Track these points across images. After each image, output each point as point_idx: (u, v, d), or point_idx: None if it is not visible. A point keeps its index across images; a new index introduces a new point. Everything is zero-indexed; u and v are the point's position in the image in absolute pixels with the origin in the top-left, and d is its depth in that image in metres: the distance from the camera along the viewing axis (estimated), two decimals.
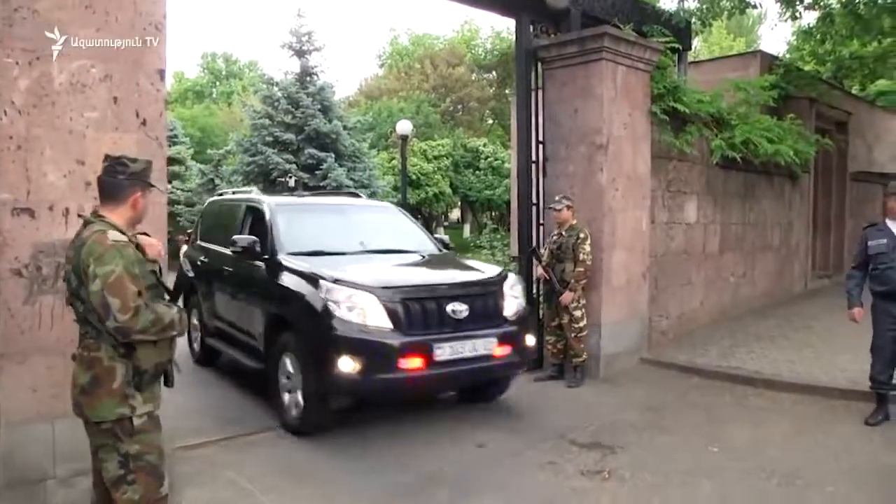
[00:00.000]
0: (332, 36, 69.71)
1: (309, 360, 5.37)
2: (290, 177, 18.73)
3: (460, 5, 8.11)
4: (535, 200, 7.94)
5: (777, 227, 11.65)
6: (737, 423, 5.92)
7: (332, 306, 5.14)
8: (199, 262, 7.73)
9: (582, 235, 7.03)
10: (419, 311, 5.27)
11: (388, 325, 5.15)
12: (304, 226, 6.66)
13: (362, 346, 5.05)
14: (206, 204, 9.30)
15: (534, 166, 7.95)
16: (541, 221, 7.96)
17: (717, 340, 8.77)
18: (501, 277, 6.03)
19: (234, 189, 10.69)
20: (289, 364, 5.60)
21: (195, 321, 8.00)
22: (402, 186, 18.25)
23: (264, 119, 20.18)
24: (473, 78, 39.55)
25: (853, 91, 18.12)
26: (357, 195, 8.66)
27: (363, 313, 5.12)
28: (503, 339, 5.61)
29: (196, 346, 8.06)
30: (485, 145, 31.88)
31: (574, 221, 7.17)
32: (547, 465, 4.93)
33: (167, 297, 3.10)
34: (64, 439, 4.01)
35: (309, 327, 5.38)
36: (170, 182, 20.65)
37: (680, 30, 9.74)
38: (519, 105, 8.19)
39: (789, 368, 7.35)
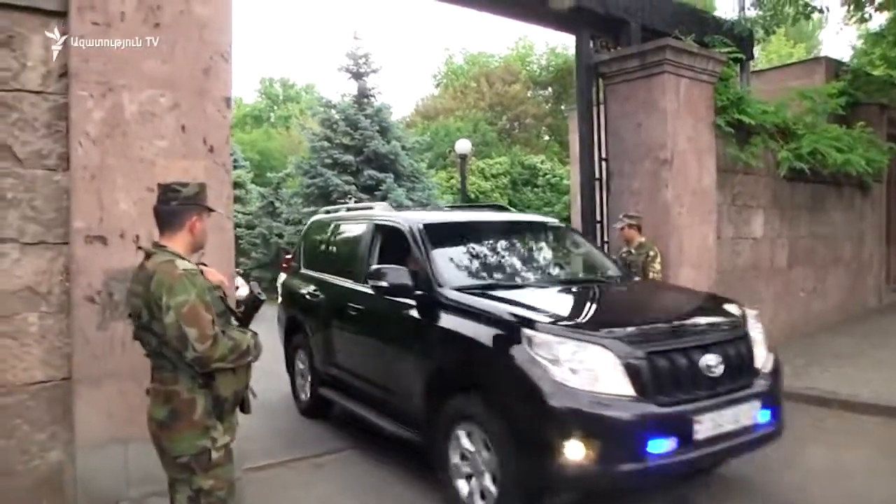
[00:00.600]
0: (389, 57, 70.59)
1: (507, 440, 3.89)
2: (351, 198, 18.90)
3: (518, 22, 8.11)
4: (598, 218, 7.84)
5: (848, 239, 11.25)
6: (817, 445, 5.65)
7: (544, 365, 3.73)
8: (307, 296, 6.53)
9: (652, 253, 6.87)
10: (668, 370, 3.84)
11: (630, 390, 3.71)
12: (463, 251, 5.31)
13: (596, 425, 3.64)
14: (310, 223, 7.58)
15: (597, 183, 7.85)
16: (605, 239, 7.84)
17: (789, 359, 8.43)
18: (744, 314, 4.66)
19: (349, 204, 8.94)
20: (466, 440, 4.20)
21: (301, 365, 6.79)
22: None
23: (323, 141, 20.43)
24: (529, 95, 39.53)
25: None
26: (505, 208, 7.23)
27: (594, 375, 3.71)
28: (765, 402, 4.23)
29: (304, 394, 6.73)
30: (542, 162, 31.70)
31: (643, 239, 7.02)
32: None
33: (236, 322, 3.08)
34: (137, 462, 4.07)
35: (506, 394, 3.96)
36: None
37: (742, 39, 9.55)
38: (580, 121, 8.13)
39: (869, 388, 7.03)
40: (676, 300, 5.26)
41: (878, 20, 13.96)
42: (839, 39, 70.93)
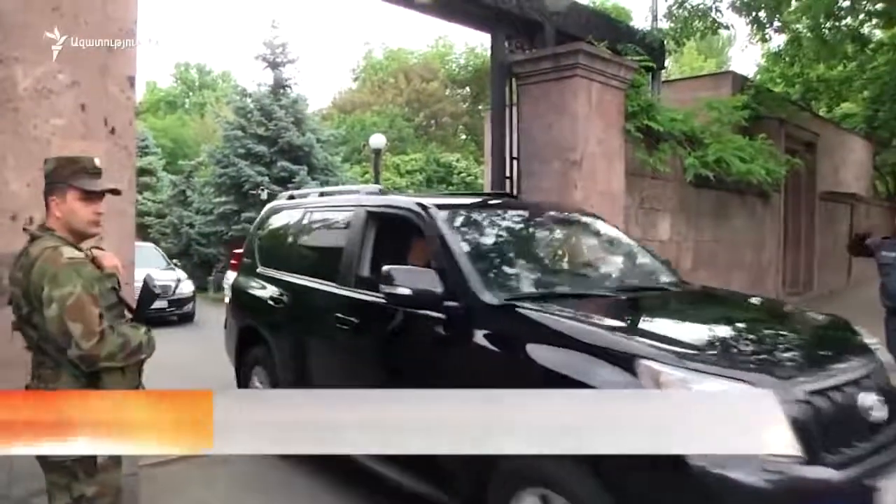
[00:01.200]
0: (306, 48, 69.64)
1: None
2: (263, 189, 18.59)
3: (436, 19, 8.11)
4: None
5: (749, 245, 11.74)
6: None
7: None
8: (270, 302, 5.21)
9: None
10: (832, 415, 2.75)
11: (797, 447, 2.56)
12: (501, 247, 4.23)
13: (758, 498, 2.53)
14: (267, 211, 6.17)
15: (507, 182, 7.92)
16: None
17: None
18: (865, 336, 3.62)
19: (322, 189, 7.71)
20: None
21: (259, 384, 5.36)
22: None
23: (236, 130, 20.03)
24: (447, 93, 39.70)
25: (820, 113, 18.47)
26: (514, 197, 6.37)
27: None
28: None
29: None
30: (458, 160, 31.91)
31: None
32: None
33: (130, 315, 2.86)
34: (22, 458, 3.86)
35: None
36: (140, 193, 20.44)
37: (654, 49, 9.84)
38: (493, 119, 8.19)
39: None
40: (789, 317, 4.04)
41: (778, 41, 14.76)
42: (746, 56, 74.21)
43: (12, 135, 3.94)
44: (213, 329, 8.70)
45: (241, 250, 6.45)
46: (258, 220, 6.29)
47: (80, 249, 2.67)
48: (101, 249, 2.92)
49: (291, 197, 6.21)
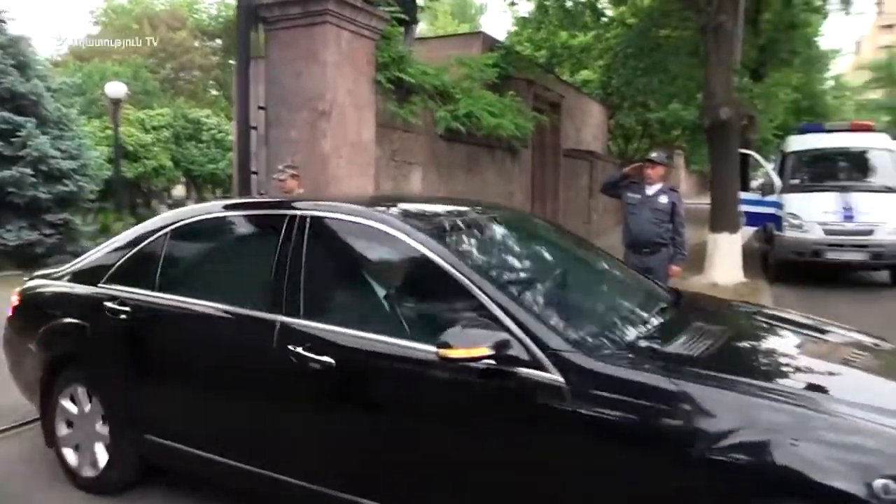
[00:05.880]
0: None
1: None
2: None
3: None
4: (255, 169, 7.44)
5: (499, 197, 12.08)
6: None
7: None
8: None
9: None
10: None
11: None
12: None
13: None
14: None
15: (254, 133, 7.44)
16: (261, 191, 7.48)
17: None
18: None
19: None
20: None
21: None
22: (116, 158, 16.67)
23: None
24: (196, 45, 37.45)
25: (564, 77, 19.67)
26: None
27: None
28: None
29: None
30: (208, 116, 30.25)
31: (301, 191, 6.78)
32: None
33: None
34: None
35: None
36: None
37: (406, 2, 9.70)
38: (238, 65, 7.62)
39: None
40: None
41: (528, 7, 15.55)
42: (499, 25, 78.04)
43: None
44: None
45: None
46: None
47: None
48: None
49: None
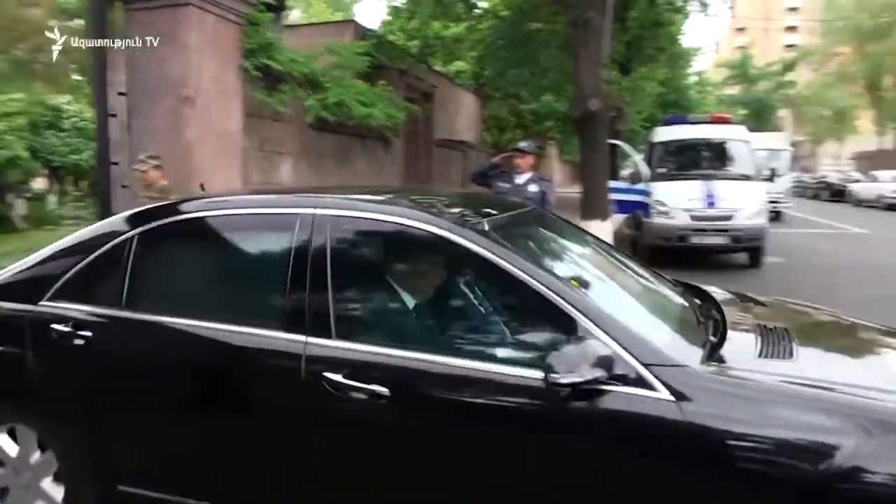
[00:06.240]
0: None
1: None
2: None
3: None
4: (116, 160, 7.15)
5: None
6: None
7: None
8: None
9: (173, 198, 6.45)
10: None
11: None
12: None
13: None
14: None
15: (114, 120, 7.15)
16: (123, 184, 7.20)
17: None
18: None
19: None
20: None
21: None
22: None
23: None
24: (54, 24, 35.28)
25: (437, 68, 19.84)
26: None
27: None
28: None
29: None
30: (69, 103, 28.59)
31: (166, 182, 6.53)
32: None
33: None
34: None
35: None
36: None
37: None
38: (94, 50, 7.27)
39: None
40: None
41: None
42: (373, 15, 77.78)
43: None
44: None
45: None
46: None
47: None
48: None
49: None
